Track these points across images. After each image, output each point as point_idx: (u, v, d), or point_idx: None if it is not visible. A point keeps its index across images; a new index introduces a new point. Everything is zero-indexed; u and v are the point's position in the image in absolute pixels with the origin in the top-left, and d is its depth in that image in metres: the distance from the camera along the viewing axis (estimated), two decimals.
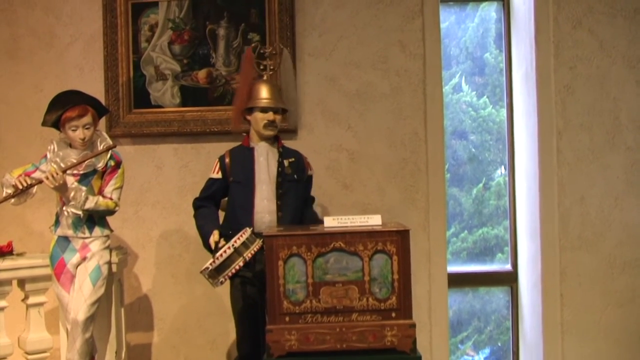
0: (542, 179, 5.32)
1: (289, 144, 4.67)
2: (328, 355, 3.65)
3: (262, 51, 4.54)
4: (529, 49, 5.42)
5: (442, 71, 5.43)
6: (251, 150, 4.40)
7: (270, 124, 4.35)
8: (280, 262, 3.65)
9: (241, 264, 3.86)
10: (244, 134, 4.50)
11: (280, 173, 4.35)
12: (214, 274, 3.85)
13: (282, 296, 3.65)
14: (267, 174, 4.34)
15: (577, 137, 5.35)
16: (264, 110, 4.35)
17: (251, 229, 4.03)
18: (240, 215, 4.29)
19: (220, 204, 4.54)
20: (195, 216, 4.46)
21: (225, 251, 3.84)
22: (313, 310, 3.66)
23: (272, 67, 4.52)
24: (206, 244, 4.24)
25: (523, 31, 5.52)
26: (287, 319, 3.66)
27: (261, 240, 3.87)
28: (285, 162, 4.39)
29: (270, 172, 4.35)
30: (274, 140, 4.46)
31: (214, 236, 4.17)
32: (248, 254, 3.88)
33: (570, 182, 5.34)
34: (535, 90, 5.35)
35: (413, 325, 3.66)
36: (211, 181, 4.45)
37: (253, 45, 4.65)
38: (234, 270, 3.86)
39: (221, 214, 4.53)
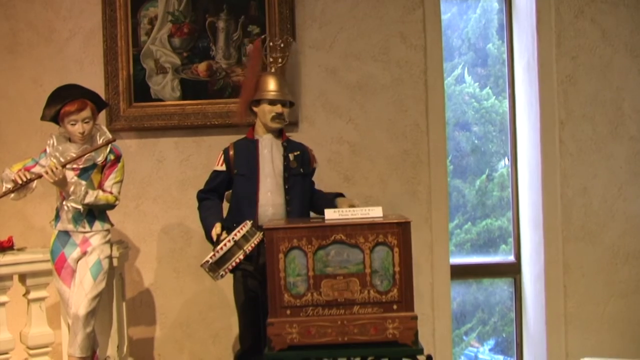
0: (545, 169, 5.30)
1: (290, 136, 4.64)
2: (329, 348, 3.64)
3: (271, 44, 4.52)
4: (531, 39, 5.39)
5: (443, 62, 5.41)
6: (255, 143, 4.38)
7: (278, 116, 4.32)
8: (281, 255, 3.64)
9: (241, 257, 3.84)
10: (250, 127, 4.48)
11: (286, 167, 4.33)
12: (214, 267, 3.83)
13: (283, 289, 3.64)
14: (271, 166, 4.32)
15: (579, 128, 5.33)
16: (272, 102, 4.32)
17: (252, 221, 4.01)
18: (244, 208, 4.27)
19: (225, 196, 4.52)
20: (198, 208, 4.44)
21: (225, 244, 3.83)
22: (314, 303, 3.64)
23: (279, 60, 4.49)
24: (208, 237, 4.23)
25: (524, 21, 5.49)
26: (288, 312, 3.65)
27: (262, 233, 3.85)
28: (291, 156, 4.36)
29: (274, 165, 4.32)
30: (279, 134, 4.44)
31: (216, 229, 4.15)
32: (248, 247, 3.86)
33: (573, 173, 5.33)
34: (537, 81, 5.32)
35: (415, 318, 3.65)
36: (215, 173, 4.43)
37: (262, 37, 4.63)
38: (234, 264, 3.84)
39: (226, 206, 4.51)
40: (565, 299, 5.32)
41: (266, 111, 4.33)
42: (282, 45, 4.53)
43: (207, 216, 4.30)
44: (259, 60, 4.43)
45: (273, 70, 4.43)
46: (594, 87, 5.32)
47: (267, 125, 4.35)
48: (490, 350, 5.88)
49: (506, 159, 5.82)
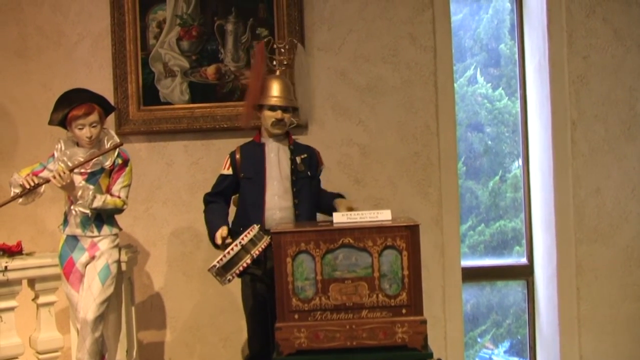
0: (557, 170, 5.26)
1: (300, 139, 4.61)
2: (338, 353, 3.61)
3: (274, 46, 4.48)
4: (542, 39, 5.35)
5: (453, 63, 5.38)
6: (262, 146, 4.35)
7: (278, 122, 4.28)
8: (289, 259, 3.62)
9: (249, 261, 3.82)
10: (257, 130, 4.45)
11: (294, 171, 4.31)
12: (222, 271, 3.80)
13: (291, 293, 3.62)
14: (278, 170, 4.29)
15: (591, 128, 5.29)
16: (273, 108, 4.29)
17: (259, 225, 3.97)
18: (251, 212, 4.25)
19: (232, 200, 4.50)
20: (204, 211, 4.42)
21: (232, 249, 3.80)
22: (322, 307, 3.62)
23: (284, 62, 4.46)
24: (212, 239, 4.20)
25: (536, 21, 5.45)
26: (296, 316, 3.63)
27: (269, 236, 3.83)
28: (298, 159, 4.34)
29: (281, 168, 4.30)
30: (285, 137, 4.41)
31: (222, 232, 4.12)
32: (255, 251, 3.83)
33: (586, 174, 5.28)
34: (549, 81, 5.29)
35: (424, 322, 3.61)
36: (222, 177, 4.41)
37: (265, 40, 4.59)
38: (241, 268, 3.81)
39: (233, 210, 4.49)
40: (578, 302, 5.27)
41: (267, 117, 4.29)
42: (286, 47, 4.50)
43: (213, 219, 4.28)
44: (262, 63, 4.38)
45: (278, 72, 4.40)
46: (606, 87, 5.27)
47: (268, 130, 4.32)
48: (505, 352, 5.85)
49: (519, 160, 5.78)
